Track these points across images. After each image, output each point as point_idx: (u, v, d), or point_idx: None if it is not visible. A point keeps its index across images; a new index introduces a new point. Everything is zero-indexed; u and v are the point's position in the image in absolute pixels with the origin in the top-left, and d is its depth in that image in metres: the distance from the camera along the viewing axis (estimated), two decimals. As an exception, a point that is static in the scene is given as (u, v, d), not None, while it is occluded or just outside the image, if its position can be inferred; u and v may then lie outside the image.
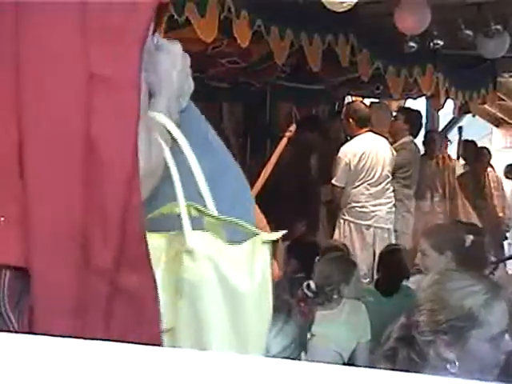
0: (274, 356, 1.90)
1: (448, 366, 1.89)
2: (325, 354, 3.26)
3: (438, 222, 6.11)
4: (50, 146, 1.04)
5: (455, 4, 4.93)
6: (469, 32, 5.18)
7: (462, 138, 8.36)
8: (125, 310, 1.06)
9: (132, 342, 0.85)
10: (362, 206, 5.77)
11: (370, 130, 5.97)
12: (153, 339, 1.06)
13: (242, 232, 1.22)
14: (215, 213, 1.23)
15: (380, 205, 5.80)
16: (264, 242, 1.18)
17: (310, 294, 3.49)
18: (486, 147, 8.16)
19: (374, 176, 5.80)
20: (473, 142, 8.18)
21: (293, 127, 6.09)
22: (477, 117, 8.05)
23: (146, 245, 1.08)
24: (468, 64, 6.38)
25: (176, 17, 3.79)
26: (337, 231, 5.85)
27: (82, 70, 1.05)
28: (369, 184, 5.79)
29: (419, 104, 7.66)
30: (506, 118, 9.91)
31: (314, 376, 0.77)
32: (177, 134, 1.23)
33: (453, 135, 8.71)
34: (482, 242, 3.80)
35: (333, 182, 5.82)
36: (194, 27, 3.91)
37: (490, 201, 7.67)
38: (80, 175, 1.04)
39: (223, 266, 1.16)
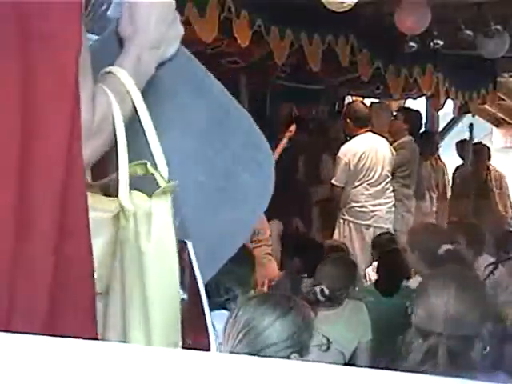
0: (260, 350, 1.91)
1: None
2: (328, 353, 3.26)
3: (425, 222, 6.11)
4: None
5: (455, 4, 4.93)
6: (469, 32, 5.18)
7: (462, 138, 8.34)
8: (62, 275, 1.03)
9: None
10: (362, 206, 5.77)
11: (370, 130, 5.97)
12: (85, 306, 1.07)
13: None
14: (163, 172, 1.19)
15: (379, 205, 5.80)
16: (164, 192, 1.16)
17: (322, 298, 3.51)
18: (483, 144, 8.11)
19: (373, 176, 5.80)
20: (467, 141, 8.17)
21: (293, 127, 6.10)
22: (477, 117, 8.04)
23: (87, 211, 1.06)
24: (468, 64, 6.38)
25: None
26: (336, 231, 5.85)
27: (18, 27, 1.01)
28: (368, 184, 5.80)
29: (419, 104, 7.66)
30: (506, 118, 9.90)
31: (314, 376, 0.77)
32: (135, 93, 1.19)
33: (453, 134, 8.71)
34: (458, 253, 3.86)
35: (332, 181, 5.83)
36: (193, 27, 3.91)
37: (492, 199, 7.65)
38: (18, 138, 1.01)
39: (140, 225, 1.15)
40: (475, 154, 7.77)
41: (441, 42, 5.33)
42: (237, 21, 4.13)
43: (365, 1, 4.48)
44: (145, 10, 1.29)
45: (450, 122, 8.85)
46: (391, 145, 6.23)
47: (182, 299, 1.20)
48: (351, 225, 5.79)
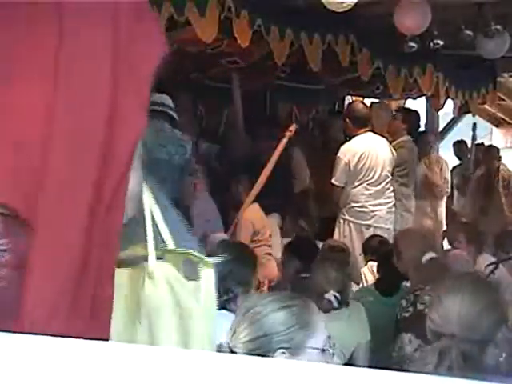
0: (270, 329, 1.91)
1: None
2: (327, 353, 3.26)
3: (409, 228, 6.13)
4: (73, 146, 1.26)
5: (455, 4, 4.92)
6: (469, 32, 5.18)
7: (462, 138, 8.34)
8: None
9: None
10: (362, 206, 5.77)
11: (370, 130, 5.98)
12: None
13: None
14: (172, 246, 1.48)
15: (380, 205, 5.80)
16: (208, 264, 1.47)
17: (336, 304, 3.52)
18: (493, 145, 8.11)
19: (373, 176, 5.81)
20: (464, 142, 8.16)
21: (293, 127, 6.10)
22: (477, 117, 8.04)
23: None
24: (468, 64, 6.39)
25: (176, 17, 3.80)
26: (336, 231, 5.85)
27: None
28: (368, 184, 5.80)
29: (419, 104, 7.66)
30: (506, 118, 9.90)
31: (314, 376, 0.77)
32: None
33: (454, 134, 8.71)
34: (439, 261, 3.90)
35: (332, 181, 5.83)
36: (193, 27, 3.91)
37: (498, 199, 7.63)
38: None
39: (177, 290, 1.41)
40: (485, 154, 7.78)
41: (441, 42, 5.33)
42: (237, 21, 4.13)
43: (365, 1, 4.48)
44: None
45: (450, 122, 8.85)
46: (390, 144, 6.24)
47: None
48: (351, 225, 5.80)
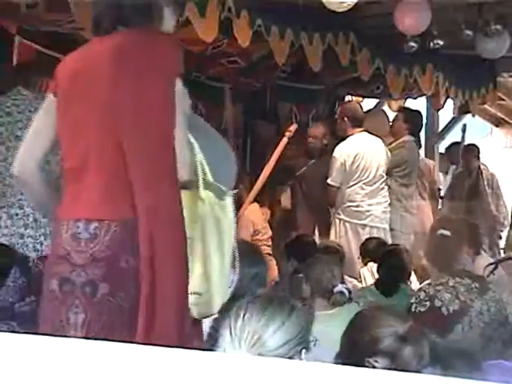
0: (271, 351, 1.90)
1: None
2: (328, 353, 3.26)
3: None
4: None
5: (455, 4, 4.92)
6: (469, 32, 5.18)
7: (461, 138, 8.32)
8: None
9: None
10: (358, 206, 5.78)
11: (365, 130, 5.99)
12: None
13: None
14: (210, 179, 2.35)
15: (375, 204, 5.81)
16: (229, 193, 2.40)
17: (345, 299, 3.54)
18: (473, 144, 8.03)
19: (368, 176, 5.82)
20: (457, 143, 8.15)
21: (293, 127, 6.10)
22: (477, 117, 8.03)
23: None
24: (468, 64, 6.38)
25: (176, 17, 3.79)
26: (332, 231, 5.86)
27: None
28: (364, 183, 5.81)
29: (419, 104, 7.66)
30: (506, 118, 9.90)
31: (313, 375, 0.78)
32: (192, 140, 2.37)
33: (454, 134, 8.71)
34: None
35: (328, 181, 5.84)
36: (193, 27, 3.91)
37: (485, 199, 7.61)
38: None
39: (215, 208, 2.34)
40: (465, 154, 7.74)
41: (441, 42, 5.33)
42: (237, 21, 4.12)
43: (365, 1, 4.48)
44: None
45: (450, 122, 8.85)
46: (391, 144, 6.23)
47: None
48: (347, 224, 5.81)
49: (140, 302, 2.05)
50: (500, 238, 7.61)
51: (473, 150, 7.79)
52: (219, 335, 1.97)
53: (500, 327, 2.32)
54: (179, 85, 2.23)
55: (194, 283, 2.22)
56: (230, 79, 6.64)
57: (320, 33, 4.88)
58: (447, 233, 3.76)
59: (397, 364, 1.99)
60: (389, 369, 2.03)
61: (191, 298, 2.19)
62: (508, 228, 7.32)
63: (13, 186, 4.46)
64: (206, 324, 2.80)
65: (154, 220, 2.07)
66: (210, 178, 2.32)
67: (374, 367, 2.00)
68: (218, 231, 2.31)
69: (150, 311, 2.05)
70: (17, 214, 4.44)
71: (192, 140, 2.27)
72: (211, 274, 2.28)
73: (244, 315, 1.94)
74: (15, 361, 0.80)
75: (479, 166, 7.77)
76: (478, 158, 7.85)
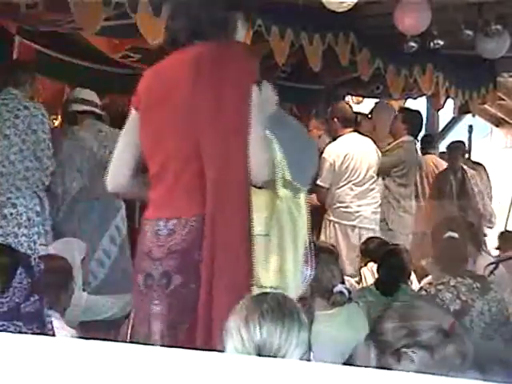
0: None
1: None
2: (328, 353, 3.26)
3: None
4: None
5: (455, 4, 4.92)
6: (469, 32, 5.18)
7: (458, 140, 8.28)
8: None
9: None
10: (347, 207, 5.77)
11: (355, 130, 5.98)
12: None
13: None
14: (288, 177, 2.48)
15: (365, 205, 5.79)
16: (303, 190, 2.54)
17: (345, 299, 3.53)
18: (459, 141, 7.95)
19: (358, 176, 5.80)
20: (459, 141, 8.10)
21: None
22: (477, 117, 8.02)
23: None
24: (468, 64, 6.38)
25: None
26: (323, 232, 5.85)
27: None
28: (353, 184, 5.80)
29: (419, 104, 7.66)
30: (506, 118, 9.89)
31: (314, 376, 0.77)
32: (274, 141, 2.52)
33: (456, 134, 8.69)
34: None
35: (317, 182, 5.82)
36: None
37: (472, 198, 7.56)
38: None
39: (291, 205, 2.47)
40: (451, 152, 7.67)
41: (441, 42, 5.33)
42: (237, 21, 4.12)
43: (365, 1, 4.48)
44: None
45: (450, 122, 8.83)
46: (390, 144, 6.22)
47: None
48: (336, 226, 5.79)
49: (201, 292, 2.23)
50: (485, 235, 7.57)
51: (459, 148, 7.73)
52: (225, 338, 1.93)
53: (501, 327, 2.32)
54: (256, 91, 2.36)
55: (270, 278, 2.40)
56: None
57: (320, 33, 4.88)
58: (455, 235, 3.74)
59: (436, 359, 2.00)
60: (389, 369, 2.02)
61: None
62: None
63: (2, 185, 4.45)
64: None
65: (220, 219, 2.26)
66: (288, 176, 2.46)
67: (411, 359, 2.02)
68: (293, 228, 2.45)
69: (207, 301, 2.24)
70: (11, 214, 4.44)
71: (273, 139, 2.44)
72: (286, 269, 2.42)
73: (260, 325, 1.88)
74: (22, 361, 0.80)
75: (464, 163, 7.69)
76: (463, 156, 7.80)
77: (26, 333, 2.21)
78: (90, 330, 3.67)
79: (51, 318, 2.49)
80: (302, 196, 2.54)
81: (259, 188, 2.38)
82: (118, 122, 6.58)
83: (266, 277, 2.36)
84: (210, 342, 2.16)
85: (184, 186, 2.36)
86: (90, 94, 5.07)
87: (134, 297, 2.44)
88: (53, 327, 2.42)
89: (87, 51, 5.67)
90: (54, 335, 2.51)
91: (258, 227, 2.35)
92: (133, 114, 2.56)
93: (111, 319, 3.96)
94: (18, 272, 2.64)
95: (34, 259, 3.49)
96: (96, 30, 4.02)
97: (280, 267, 2.42)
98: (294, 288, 2.46)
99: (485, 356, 1.98)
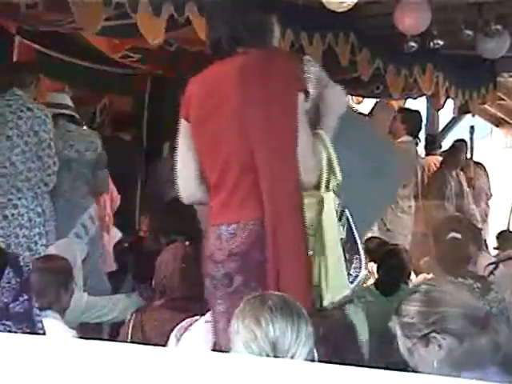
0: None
1: None
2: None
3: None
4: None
5: (455, 4, 4.92)
6: (469, 32, 5.18)
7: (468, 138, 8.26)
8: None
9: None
10: None
11: None
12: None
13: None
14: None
15: None
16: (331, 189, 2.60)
17: (346, 299, 3.54)
18: (462, 140, 7.92)
19: None
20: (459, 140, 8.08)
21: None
22: (477, 117, 8.01)
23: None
24: (468, 64, 6.38)
25: (176, 17, 3.80)
26: None
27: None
28: None
29: (419, 104, 7.65)
30: (506, 118, 9.88)
31: (313, 375, 0.77)
32: (328, 143, 2.56)
33: (456, 134, 8.68)
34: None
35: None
36: (193, 27, 3.91)
37: (466, 198, 7.55)
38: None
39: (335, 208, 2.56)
40: (453, 151, 7.64)
41: (441, 42, 5.32)
42: (237, 21, 4.12)
43: (365, 1, 4.48)
44: (331, 97, 2.70)
45: (450, 122, 8.83)
46: (389, 144, 6.23)
47: (341, 238, 2.55)
48: None
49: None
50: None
51: (461, 147, 7.72)
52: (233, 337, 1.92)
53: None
54: (302, 97, 2.48)
55: (315, 275, 2.53)
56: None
57: (320, 33, 4.88)
58: (458, 235, 3.74)
59: (467, 348, 1.98)
60: (389, 368, 2.02)
61: None
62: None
63: (2, 186, 4.46)
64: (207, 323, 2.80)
65: (278, 222, 2.41)
66: (338, 177, 2.55)
67: (439, 345, 2.02)
68: (337, 229, 2.54)
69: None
70: (12, 215, 4.44)
71: (325, 140, 2.55)
72: (329, 269, 2.50)
73: (272, 322, 1.87)
74: (12, 360, 0.80)
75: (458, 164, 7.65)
76: (465, 155, 7.79)
77: (15, 333, 2.21)
78: (91, 332, 3.67)
79: (41, 318, 2.49)
80: (339, 191, 2.60)
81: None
82: (119, 122, 6.61)
83: (316, 274, 2.51)
84: None
85: (242, 192, 2.49)
86: (62, 98, 5.11)
87: (208, 299, 2.60)
88: (43, 327, 2.41)
89: (87, 51, 5.67)
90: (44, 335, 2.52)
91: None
92: (184, 124, 2.62)
93: (112, 322, 3.94)
94: (6, 272, 2.63)
95: (23, 258, 3.49)
96: (96, 30, 4.01)
97: (323, 267, 2.52)
98: (338, 287, 2.54)
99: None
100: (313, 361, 1.87)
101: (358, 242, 2.59)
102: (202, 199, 2.71)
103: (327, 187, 2.54)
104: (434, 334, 2.03)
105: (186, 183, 2.66)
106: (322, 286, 2.51)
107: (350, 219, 2.59)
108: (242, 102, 2.44)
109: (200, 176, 2.62)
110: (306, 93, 2.51)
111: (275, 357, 1.81)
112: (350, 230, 2.59)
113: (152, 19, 3.74)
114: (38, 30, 5.05)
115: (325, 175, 2.53)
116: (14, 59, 5.16)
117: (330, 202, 2.54)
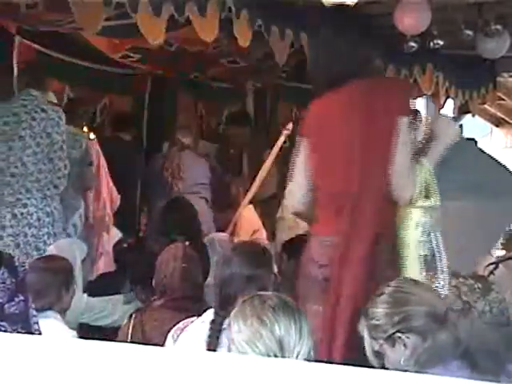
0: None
1: None
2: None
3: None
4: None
5: (455, 4, 4.92)
6: (469, 32, 5.17)
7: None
8: None
9: None
10: None
11: None
12: None
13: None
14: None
15: None
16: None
17: None
18: (472, 139, 7.92)
19: None
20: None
21: (290, 125, 6.10)
22: (477, 117, 8.01)
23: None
24: (468, 64, 6.38)
25: (176, 17, 3.80)
26: None
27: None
28: None
29: (419, 104, 7.64)
30: (506, 118, 9.89)
31: (314, 375, 0.77)
32: (428, 168, 2.84)
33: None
34: None
35: None
36: (193, 27, 3.91)
37: None
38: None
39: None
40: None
41: (441, 42, 5.32)
42: (237, 21, 4.12)
43: (365, 1, 4.47)
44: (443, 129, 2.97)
45: (449, 122, 8.80)
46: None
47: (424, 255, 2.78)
48: None
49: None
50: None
51: None
52: (234, 337, 1.91)
53: (502, 327, 2.32)
54: (406, 122, 2.76)
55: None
56: (229, 79, 6.64)
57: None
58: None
59: (430, 345, 2.01)
60: (388, 368, 2.02)
61: None
62: None
63: (12, 185, 4.47)
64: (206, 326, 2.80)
65: (372, 236, 2.72)
66: (433, 199, 2.83)
67: (404, 344, 2.04)
68: (417, 245, 2.78)
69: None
70: (22, 214, 4.46)
71: (426, 164, 2.84)
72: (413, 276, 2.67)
73: (276, 320, 1.87)
74: (12, 360, 0.80)
75: None
76: None
77: (10, 333, 2.21)
78: (91, 335, 3.67)
79: (38, 319, 2.48)
80: (435, 214, 2.83)
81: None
82: (119, 122, 6.61)
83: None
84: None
85: (344, 208, 2.76)
86: (48, 96, 5.11)
87: (302, 297, 2.83)
88: (39, 328, 2.40)
89: (87, 51, 5.67)
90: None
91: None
92: (302, 140, 2.96)
93: (112, 326, 3.92)
94: (1, 272, 2.62)
95: (18, 259, 3.49)
96: (97, 30, 4.01)
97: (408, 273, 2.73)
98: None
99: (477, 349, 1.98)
100: (311, 360, 1.88)
101: (443, 262, 2.80)
102: (303, 214, 3.06)
103: (414, 205, 2.80)
104: (398, 334, 2.07)
105: (294, 197, 3.01)
106: None
107: (440, 240, 2.82)
108: (353, 123, 2.79)
109: (308, 191, 2.93)
110: (413, 117, 2.81)
111: (282, 355, 1.82)
112: (437, 250, 2.82)
113: (152, 19, 3.73)
114: (38, 29, 5.05)
115: (415, 195, 2.79)
116: (14, 59, 5.16)
117: (415, 218, 2.79)
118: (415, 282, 2.27)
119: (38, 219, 4.47)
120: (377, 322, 2.13)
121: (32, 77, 4.63)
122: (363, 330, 2.18)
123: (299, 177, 2.96)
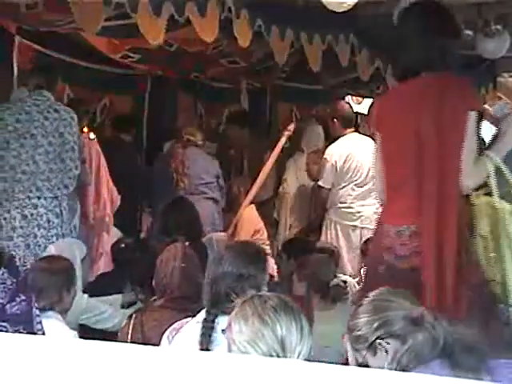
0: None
1: None
2: (327, 352, 3.26)
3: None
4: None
5: (455, 4, 4.92)
6: (469, 32, 5.18)
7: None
8: None
9: None
10: (348, 207, 5.79)
11: (356, 131, 5.98)
12: None
13: None
14: None
15: (366, 205, 5.80)
16: None
17: (343, 292, 3.56)
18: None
19: (360, 177, 5.82)
20: None
21: (291, 126, 6.11)
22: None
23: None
24: (468, 64, 6.38)
25: (176, 17, 3.80)
26: (323, 232, 5.86)
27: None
28: (355, 184, 5.81)
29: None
30: (505, 118, 9.88)
31: (314, 375, 0.78)
32: (495, 158, 2.91)
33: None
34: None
35: (319, 183, 5.84)
36: (193, 27, 3.91)
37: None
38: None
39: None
40: None
41: (441, 42, 5.32)
42: (237, 21, 4.12)
43: (365, 1, 4.47)
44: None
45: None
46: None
47: None
48: (338, 226, 5.80)
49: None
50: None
51: None
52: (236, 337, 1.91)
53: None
54: (474, 116, 2.90)
55: (493, 272, 2.86)
56: (230, 79, 6.64)
57: (320, 33, 4.87)
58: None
59: (408, 347, 2.02)
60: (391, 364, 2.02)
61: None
62: None
63: (23, 182, 4.48)
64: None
65: (442, 225, 2.80)
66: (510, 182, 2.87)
67: (385, 350, 2.04)
68: (506, 234, 2.84)
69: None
70: (32, 215, 4.48)
71: (492, 156, 2.90)
72: (504, 268, 2.81)
73: (278, 319, 1.87)
74: (12, 360, 0.80)
75: None
76: None
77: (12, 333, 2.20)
78: (92, 337, 3.66)
79: (41, 319, 2.47)
80: None
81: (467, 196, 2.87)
82: (119, 122, 6.62)
83: (490, 271, 2.86)
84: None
85: (414, 198, 2.86)
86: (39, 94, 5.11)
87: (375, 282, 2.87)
88: (43, 328, 2.39)
89: (87, 51, 5.68)
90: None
91: (482, 230, 2.88)
92: (377, 135, 3.10)
93: (112, 330, 3.91)
94: (1, 272, 2.62)
95: (19, 259, 3.49)
96: (97, 31, 4.01)
97: (498, 264, 2.83)
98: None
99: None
100: (311, 360, 1.87)
101: None
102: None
103: (498, 194, 2.87)
104: (379, 341, 2.08)
105: (379, 186, 3.09)
106: (500, 281, 2.83)
107: None
108: (420, 118, 2.87)
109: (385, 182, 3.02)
110: (481, 112, 3.01)
111: (283, 355, 1.82)
112: None
113: (152, 19, 3.73)
114: (37, 30, 5.06)
115: (493, 182, 2.85)
116: (14, 59, 5.16)
117: (504, 210, 2.86)
118: (394, 291, 2.26)
119: (48, 221, 4.51)
120: (358, 333, 2.13)
121: (41, 78, 4.66)
122: (347, 344, 2.19)
123: (379, 171, 3.07)
